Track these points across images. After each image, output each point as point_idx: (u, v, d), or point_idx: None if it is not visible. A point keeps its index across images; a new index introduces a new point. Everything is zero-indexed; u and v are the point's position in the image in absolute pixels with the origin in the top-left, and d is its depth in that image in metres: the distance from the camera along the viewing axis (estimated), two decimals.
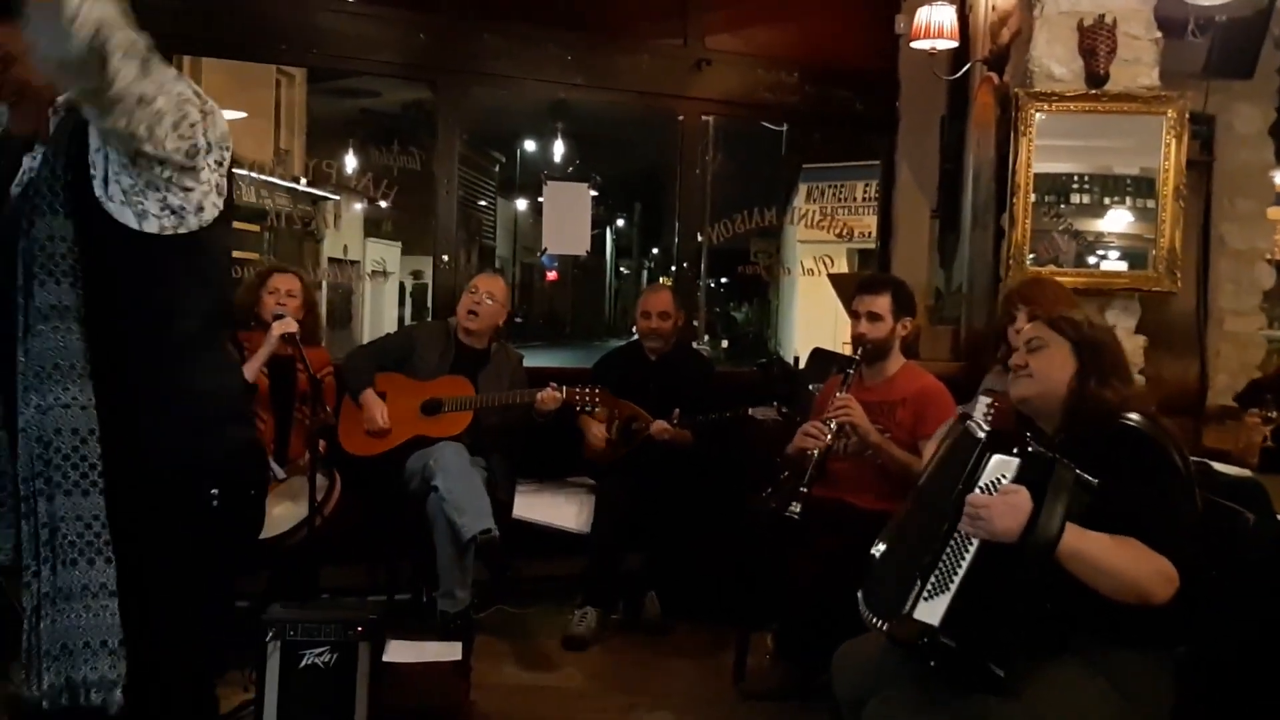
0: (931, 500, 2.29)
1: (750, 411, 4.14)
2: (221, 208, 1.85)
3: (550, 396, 4.11)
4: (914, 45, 4.74)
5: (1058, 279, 3.85)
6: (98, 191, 1.72)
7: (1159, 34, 4.21)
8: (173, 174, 1.74)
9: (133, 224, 1.74)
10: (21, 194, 1.78)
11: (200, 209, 1.79)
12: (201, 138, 1.77)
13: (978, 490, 2.11)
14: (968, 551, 2.08)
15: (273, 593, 3.73)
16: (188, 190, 1.77)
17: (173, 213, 1.76)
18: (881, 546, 2.37)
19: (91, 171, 1.73)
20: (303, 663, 3.08)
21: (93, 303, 1.72)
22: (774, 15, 5.45)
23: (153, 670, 1.77)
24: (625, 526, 4.17)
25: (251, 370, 3.85)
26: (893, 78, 5.48)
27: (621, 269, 35.17)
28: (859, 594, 2.29)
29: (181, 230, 1.77)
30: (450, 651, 3.26)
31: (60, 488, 1.69)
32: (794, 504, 3.26)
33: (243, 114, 14.35)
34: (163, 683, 1.81)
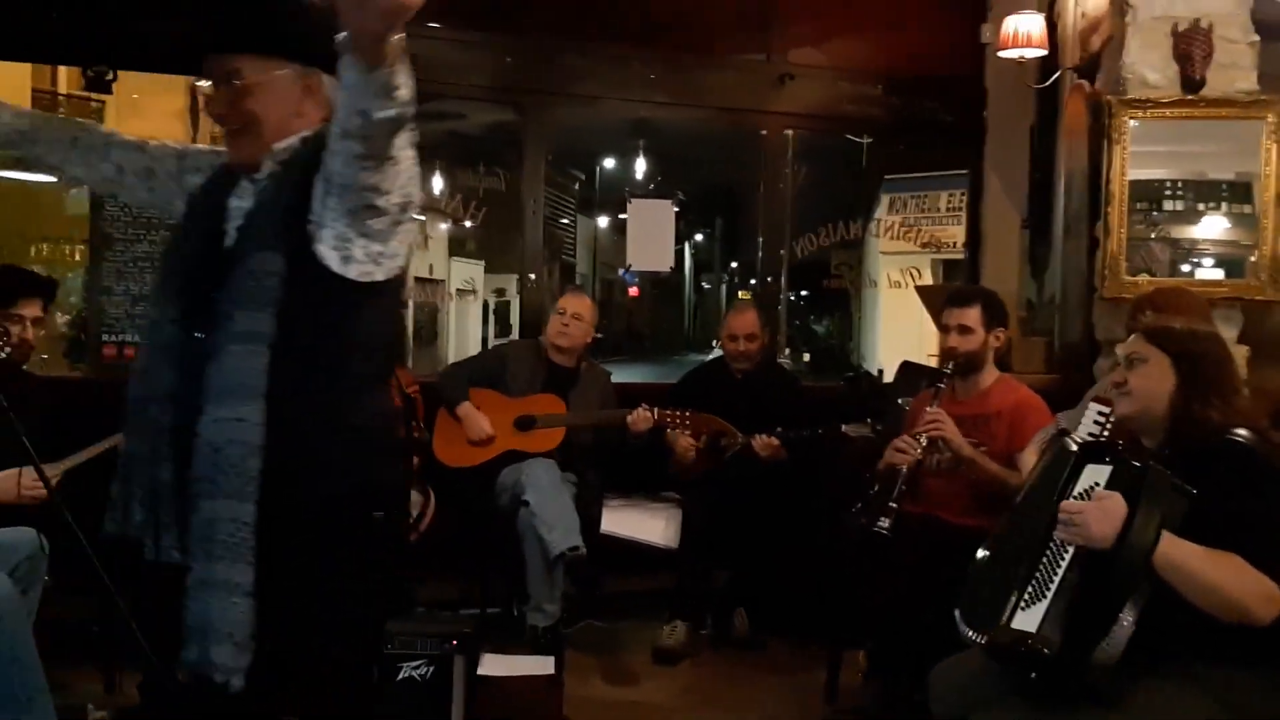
0: (1027, 512, 2.27)
1: (844, 428, 4.11)
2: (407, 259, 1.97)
3: (642, 418, 4.13)
4: (1001, 55, 4.68)
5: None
6: (313, 235, 1.84)
7: (1256, 37, 4.10)
8: (385, 226, 1.85)
9: (335, 267, 1.85)
10: (240, 234, 1.92)
11: (394, 257, 1.90)
12: (415, 193, 1.87)
13: (1072, 498, 2.09)
14: (1063, 560, 2.05)
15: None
16: (391, 241, 1.88)
17: (373, 260, 1.87)
18: (981, 557, 2.34)
19: (310, 216, 1.84)
20: (400, 675, 3.13)
21: (284, 332, 1.84)
22: (857, 28, 5.44)
23: (294, 666, 1.92)
24: (713, 542, 4.17)
25: None
26: (979, 87, 5.42)
27: (702, 284, 35.15)
28: (956, 610, 2.27)
29: (377, 277, 1.89)
30: (543, 665, 3.30)
31: (223, 491, 1.82)
32: (883, 520, 3.23)
33: None
34: (303, 680, 1.96)
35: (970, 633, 2.19)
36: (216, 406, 1.83)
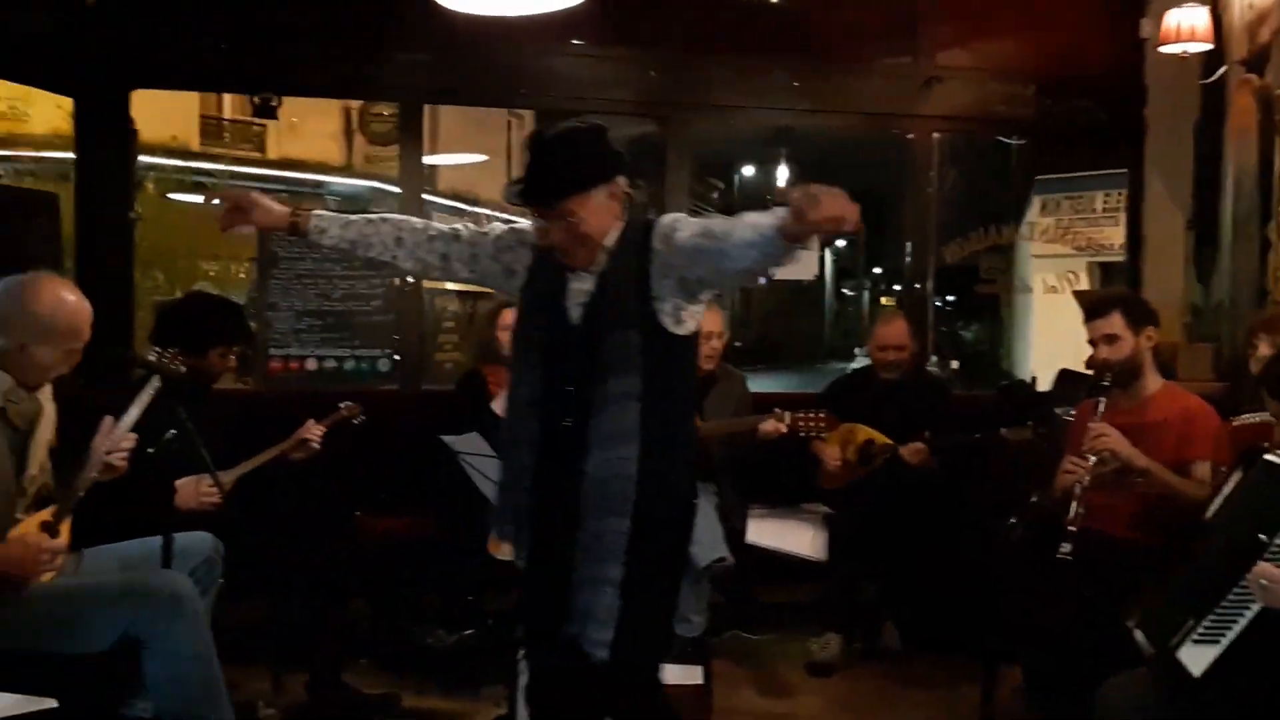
0: (1224, 535, 2.16)
1: (1003, 432, 4.00)
2: None
3: (773, 427, 4.09)
4: (1163, 50, 4.49)
5: None
6: (656, 309, 2.38)
7: None
8: (706, 291, 2.42)
9: (670, 328, 2.39)
10: (588, 313, 2.42)
11: (698, 314, 2.45)
12: None
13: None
14: (1249, 608, 1.93)
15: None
16: (702, 302, 2.43)
17: (692, 318, 2.43)
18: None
19: (652, 295, 2.37)
20: None
21: (646, 388, 2.35)
22: (1007, 27, 5.29)
23: (637, 642, 2.39)
24: (861, 553, 4.12)
25: (501, 403, 4.03)
26: (1138, 84, 5.21)
27: (843, 290, 34.70)
28: (1133, 623, 2.18)
29: (691, 328, 2.45)
30: (691, 675, 3.30)
31: (610, 511, 2.35)
32: (1064, 545, 3.12)
33: (483, 157, 15.13)
34: (646, 653, 2.48)
35: (1144, 638, 2.12)
36: (601, 450, 2.35)
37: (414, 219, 2.68)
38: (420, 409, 4.62)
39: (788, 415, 4.08)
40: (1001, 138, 7.45)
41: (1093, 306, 3.52)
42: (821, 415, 4.12)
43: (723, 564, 3.80)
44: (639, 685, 2.50)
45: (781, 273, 5.63)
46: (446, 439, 3.71)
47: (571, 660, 2.36)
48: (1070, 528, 3.13)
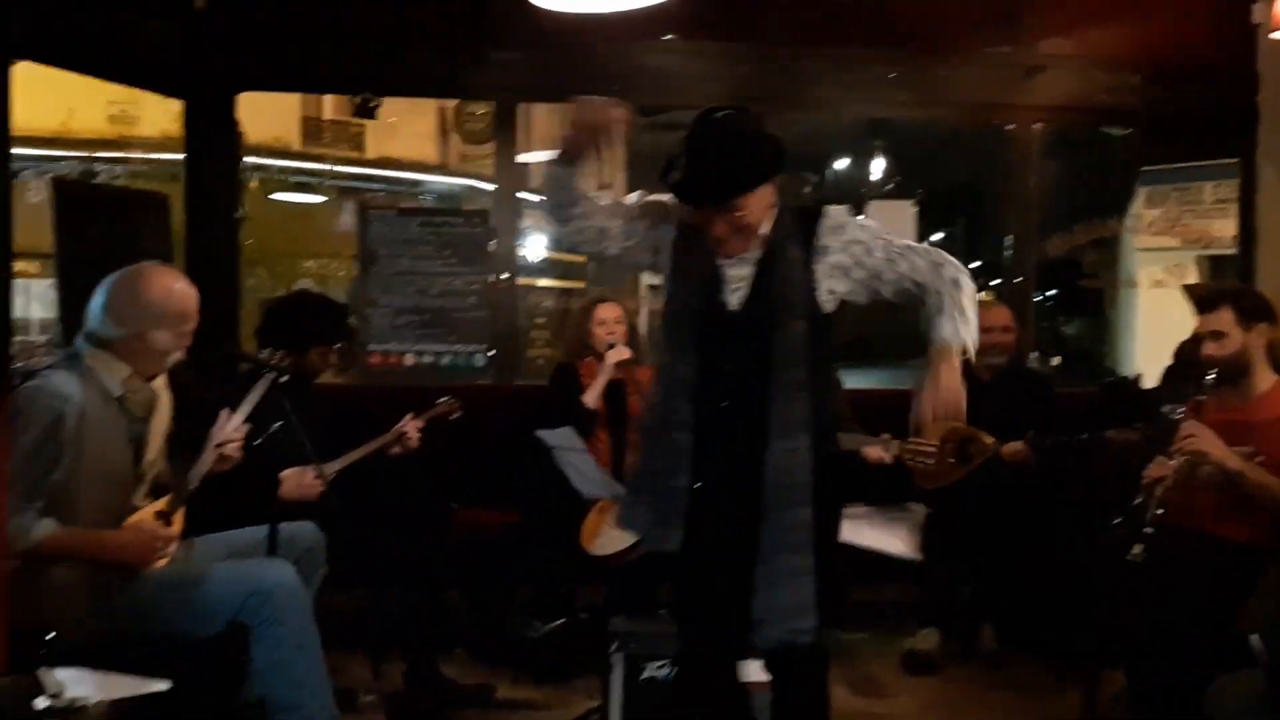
0: None
1: (1109, 434, 3.89)
2: None
3: (878, 456, 3.95)
4: (1275, 36, 4.30)
5: None
6: (818, 297, 2.49)
7: None
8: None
9: (826, 310, 2.51)
10: (754, 301, 2.48)
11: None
12: None
13: None
14: None
15: (612, 606, 3.91)
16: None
17: (835, 299, 2.53)
18: None
19: (815, 284, 2.48)
20: (644, 675, 3.20)
21: (811, 376, 2.45)
22: (1112, 14, 5.13)
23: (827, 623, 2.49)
24: (958, 553, 4.04)
25: (592, 397, 4.08)
26: (1249, 71, 5.01)
27: None
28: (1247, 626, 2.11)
29: (833, 307, 2.54)
30: None
31: (797, 502, 2.43)
32: (1136, 546, 3.03)
33: None
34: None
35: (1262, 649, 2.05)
36: (781, 440, 2.43)
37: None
38: (514, 404, 4.68)
39: (895, 444, 3.99)
40: (1106, 128, 7.22)
41: (1202, 301, 3.41)
42: (934, 446, 4.00)
43: None
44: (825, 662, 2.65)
45: None
46: (541, 434, 3.76)
47: (752, 648, 2.51)
48: (1147, 529, 3.04)
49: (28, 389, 2.66)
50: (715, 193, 2.40)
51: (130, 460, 2.81)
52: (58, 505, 2.63)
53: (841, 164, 22.23)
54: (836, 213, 2.53)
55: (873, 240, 2.51)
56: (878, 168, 11.58)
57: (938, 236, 31.27)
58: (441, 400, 3.94)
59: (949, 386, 2.45)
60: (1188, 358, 3.89)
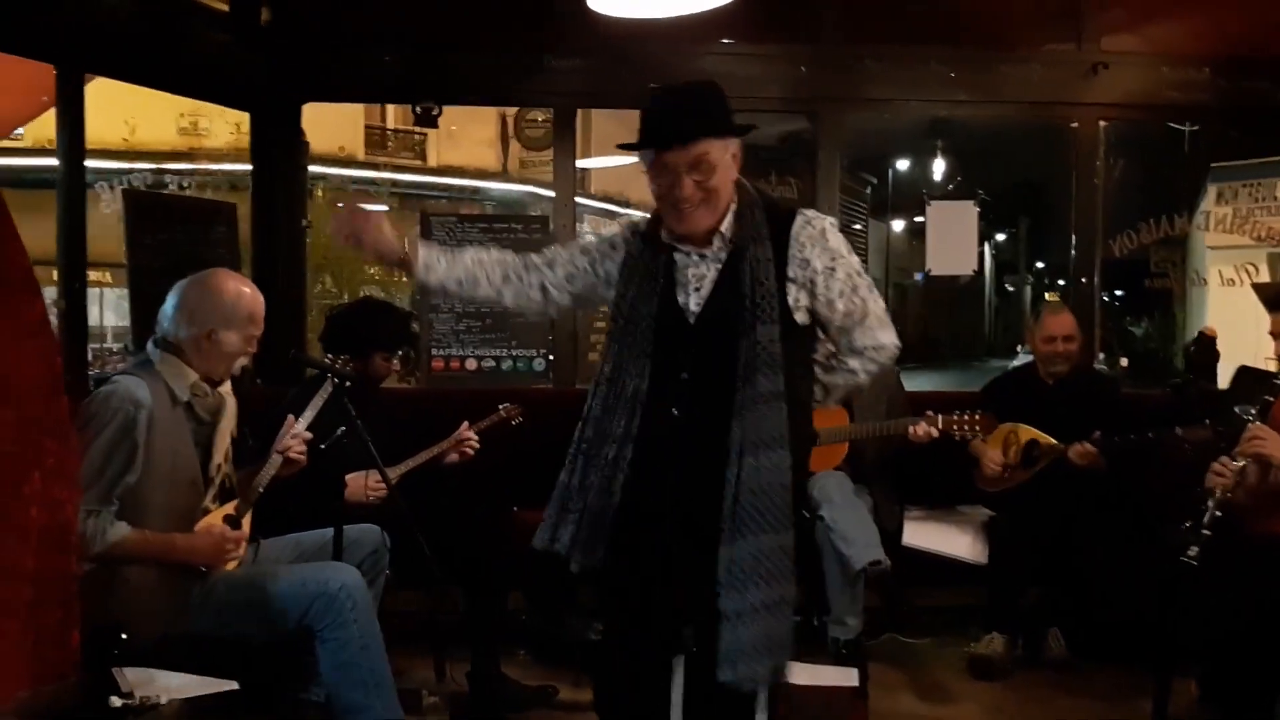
0: None
1: (1179, 431, 3.80)
2: None
3: (924, 430, 3.96)
4: None
5: None
6: (790, 303, 2.30)
7: None
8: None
9: (799, 320, 2.31)
10: (718, 302, 2.30)
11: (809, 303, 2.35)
12: None
13: None
14: None
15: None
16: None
17: (805, 310, 2.34)
18: None
19: (788, 293, 2.30)
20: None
21: (788, 385, 2.24)
22: (1179, 7, 5.03)
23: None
24: (1024, 557, 3.98)
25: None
26: None
27: (1005, 286, 33.65)
28: None
29: (807, 320, 2.35)
30: (847, 677, 3.26)
31: (770, 528, 2.20)
32: (1191, 548, 2.97)
33: (633, 158, 15.30)
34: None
35: None
36: (753, 456, 2.20)
37: (511, 253, 2.57)
38: (574, 407, 4.69)
39: (940, 417, 3.95)
40: (1174, 124, 7.08)
41: (1273, 300, 3.33)
42: (978, 416, 3.98)
43: (879, 567, 3.74)
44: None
45: (938, 268, 5.55)
46: None
47: (707, 685, 2.25)
48: (1204, 531, 2.97)
49: (101, 394, 2.74)
50: (681, 130, 2.23)
51: (198, 464, 2.88)
52: (130, 508, 2.70)
53: (902, 165, 22.07)
54: (814, 217, 2.35)
55: (843, 263, 2.33)
56: (938, 168, 11.44)
57: (1001, 238, 30.90)
58: (503, 406, 3.97)
59: None
60: (1193, 357, 3.84)
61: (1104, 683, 3.86)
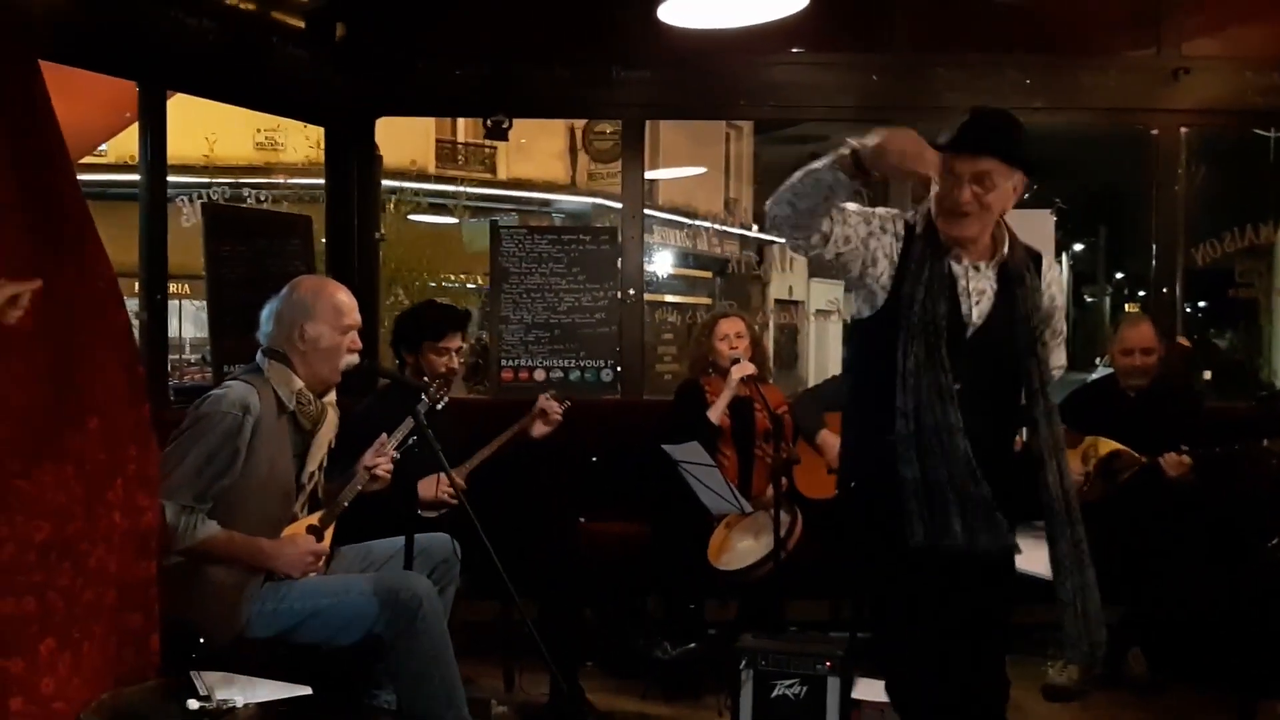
0: None
1: (1266, 443, 3.68)
2: None
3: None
4: None
5: None
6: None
7: None
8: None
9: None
10: (999, 316, 2.50)
11: None
12: None
13: None
14: None
15: (741, 623, 3.89)
16: None
17: None
18: None
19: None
20: (774, 693, 3.17)
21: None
22: (1263, 12, 4.88)
23: None
24: (1105, 574, 3.87)
25: (717, 413, 4.08)
26: None
27: (1083, 296, 33.00)
28: None
29: None
30: None
31: (1078, 520, 2.64)
32: None
33: (701, 169, 15.30)
34: None
35: None
36: (1056, 460, 2.56)
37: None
38: (641, 418, 4.70)
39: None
40: (1258, 130, 6.89)
41: None
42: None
43: None
44: None
45: None
46: (668, 448, 3.76)
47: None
48: None
49: (213, 396, 2.82)
50: (976, 141, 2.39)
51: (294, 472, 2.94)
52: (222, 509, 2.76)
53: None
54: (1052, 261, 2.63)
55: (1063, 299, 2.67)
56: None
57: (1079, 248, 30.30)
58: (550, 394, 3.95)
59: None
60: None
61: (1187, 704, 3.75)
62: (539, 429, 3.82)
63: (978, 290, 2.49)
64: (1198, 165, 5.49)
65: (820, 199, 2.37)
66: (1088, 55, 4.95)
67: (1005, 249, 2.50)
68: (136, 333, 3.30)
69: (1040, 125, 5.58)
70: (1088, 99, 4.98)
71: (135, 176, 4.12)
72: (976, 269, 2.50)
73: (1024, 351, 2.50)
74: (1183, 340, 5.91)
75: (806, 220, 2.40)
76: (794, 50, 5.01)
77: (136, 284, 4.05)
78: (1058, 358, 2.68)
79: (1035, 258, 2.57)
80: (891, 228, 2.52)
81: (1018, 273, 2.50)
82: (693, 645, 3.84)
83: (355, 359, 3.00)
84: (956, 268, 2.49)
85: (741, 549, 3.87)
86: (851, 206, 2.49)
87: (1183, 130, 5.06)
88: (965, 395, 2.44)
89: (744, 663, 3.24)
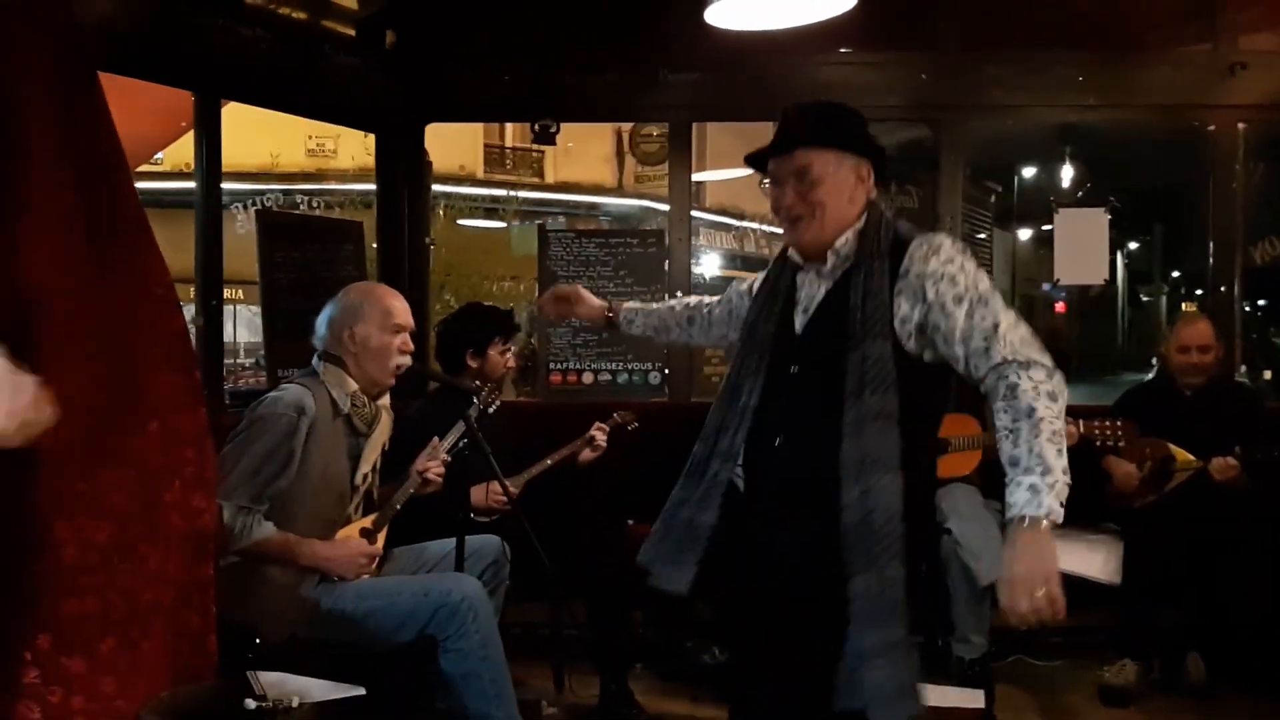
0: None
1: None
2: None
3: (1066, 432, 3.85)
4: None
5: None
6: (898, 328, 2.15)
7: None
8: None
9: (911, 351, 2.15)
10: (822, 318, 2.24)
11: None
12: None
13: None
14: None
15: None
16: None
17: (931, 349, 2.17)
18: None
19: (895, 313, 2.15)
20: None
21: (904, 409, 2.10)
22: None
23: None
24: (1161, 578, 3.82)
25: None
26: None
27: (1139, 295, 32.45)
28: None
29: (931, 360, 2.17)
30: (973, 699, 3.18)
31: (885, 556, 2.03)
32: None
33: (749, 171, 15.28)
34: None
35: None
36: (858, 481, 2.06)
37: (691, 299, 2.83)
38: (688, 421, 4.68)
39: (1080, 423, 3.84)
40: None
41: None
42: (1118, 424, 3.85)
43: None
44: None
45: (1067, 277, 5.38)
46: None
47: None
48: None
49: (270, 398, 2.88)
50: (780, 143, 2.25)
51: (348, 474, 2.98)
52: (278, 510, 2.81)
53: (1028, 172, 21.48)
54: (935, 235, 2.21)
55: (964, 293, 2.12)
56: (1067, 174, 11.11)
57: (1134, 246, 29.79)
58: (617, 413, 4.01)
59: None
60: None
61: (1248, 711, 3.69)
62: (585, 456, 3.86)
63: (808, 296, 2.29)
64: (1255, 162, 5.38)
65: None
66: (1141, 50, 4.87)
67: (844, 239, 2.23)
68: (193, 338, 3.37)
69: (1094, 122, 5.52)
70: (1142, 95, 4.90)
71: (191, 184, 4.18)
72: (818, 273, 2.28)
73: (846, 347, 2.13)
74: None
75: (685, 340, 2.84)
76: (841, 50, 4.98)
77: (192, 290, 4.12)
78: (984, 352, 2.09)
79: (902, 241, 2.20)
80: (738, 290, 2.63)
81: (857, 266, 2.20)
82: None
83: (407, 360, 3.04)
84: (800, 277, 2.33)
85: None
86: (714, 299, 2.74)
87: (1240, 126, 4.96)
88: (798, 406, 2.20)
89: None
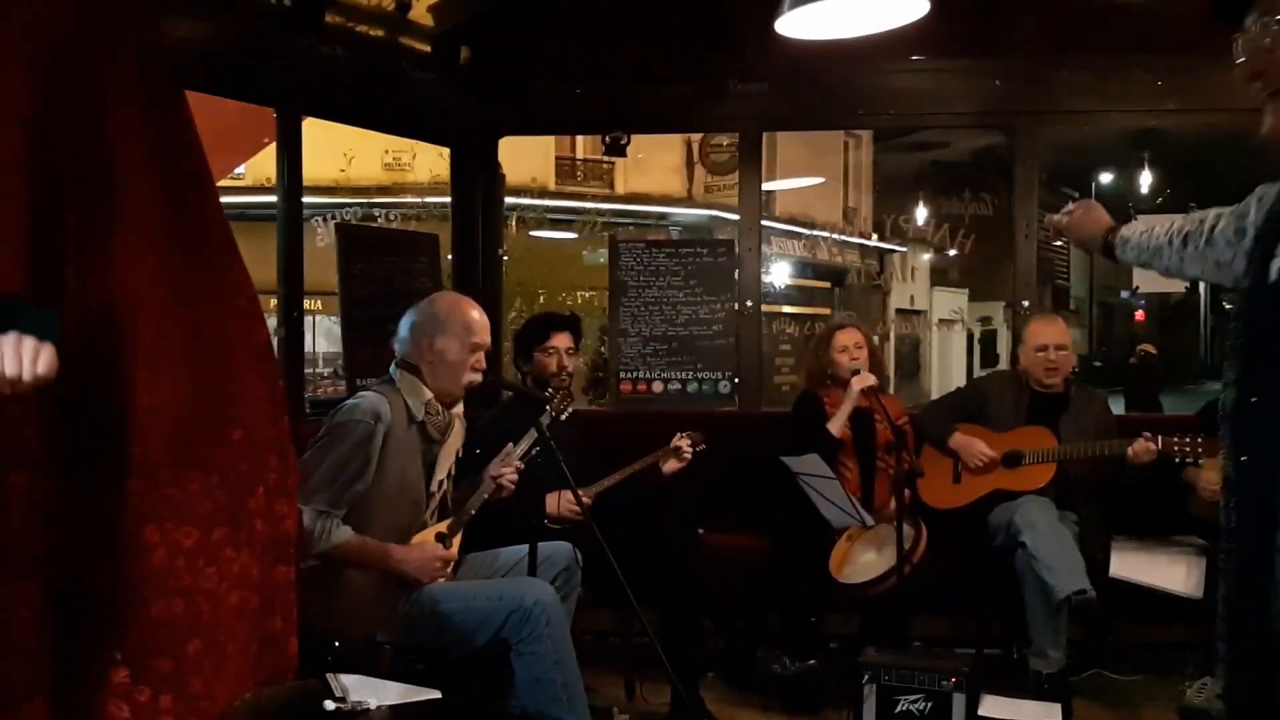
0: None
1: None
2: None
3: (1144, 449, 3.79)
4: None
5: None
6: None
7: None
8: None
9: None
10: None
11: None
12: None
13: None
14: None
15: (864, 637, 3.85)
16: None
17: None
18: None
19: None
20: (898, 708, 3.14)
21: None
22: None
23: None
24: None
25: (837, 425, 4.05)
26: None
27: (1222, 303, 31.59)
28: None
29: None
30: (1049, 713, 3.14)
31: None
32: None
33: (819, 179, 15.20)
34: None
35: None
36: None
37: (1178, 219, 2.24)
38: (759, 430, 4.70)
39: (1159, 439, 3.78)
40: None
41: None
42: (1200, 440, 3.77)
43: (1083, 596, 3.57)
44: None
45: (1146, 285, 5.27)
46: (787, 460, 3.75)
47: None
48: None
49: (347, 405, 2.95)
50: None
51: (423, 481, 3.04)
52: (355, 515, 2.88)
53: (1105, 178, 21.04)
54: None
55: None
56: (1145, 180, 10.90)
57: None
58: (689, 433, 3.99)
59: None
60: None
61: None
62: (671, 466, 3.87)
63: None
64: None
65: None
66: (1221, 53, 4.76)
67: None
68: (275, 348, 3.45)
69: (1173, 127, 5.41)
70: (1221, 99, 4.78)
71: (272, 198, 4.29)
72: None
73: None
74: (1147, 348, 5.62)
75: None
76: (913, 57, 4.94)
77: (274, 301, 4.22)
78: None
79: None
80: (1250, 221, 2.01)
81: None
82: (812, 662, 3.80)
83: (478, 378, 3.08)
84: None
85: (863, 562, 3.83)
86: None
87: None
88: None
89: (867, 677, 3.22)
